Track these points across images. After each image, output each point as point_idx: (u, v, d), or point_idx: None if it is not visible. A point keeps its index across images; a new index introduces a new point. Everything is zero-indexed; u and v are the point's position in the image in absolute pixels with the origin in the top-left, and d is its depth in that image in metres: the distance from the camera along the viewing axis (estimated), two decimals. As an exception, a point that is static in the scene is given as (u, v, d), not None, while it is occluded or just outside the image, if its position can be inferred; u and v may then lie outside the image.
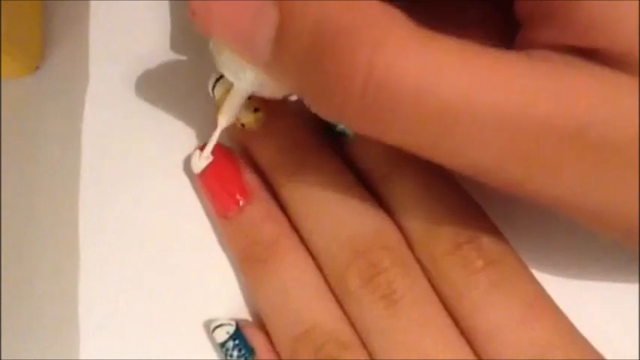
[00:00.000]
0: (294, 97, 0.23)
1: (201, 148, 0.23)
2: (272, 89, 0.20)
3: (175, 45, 0.26)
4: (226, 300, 0.23)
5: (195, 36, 0.26)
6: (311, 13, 0.17)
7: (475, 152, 0.17)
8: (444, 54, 0.16)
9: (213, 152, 0.23)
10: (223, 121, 0.22)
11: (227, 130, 0.24)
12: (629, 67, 0.16)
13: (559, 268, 0.23)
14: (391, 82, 0.16)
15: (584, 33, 0.16)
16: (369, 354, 0.21)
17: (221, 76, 0.23)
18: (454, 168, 0.18)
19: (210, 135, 0.25)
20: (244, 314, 0.23)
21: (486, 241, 0.21)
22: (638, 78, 0.16)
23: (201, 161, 0.23)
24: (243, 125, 0.23)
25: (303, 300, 0.21)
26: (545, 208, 0.18)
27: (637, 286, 0.22)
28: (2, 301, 0.24)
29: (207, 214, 0.24)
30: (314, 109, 0.18)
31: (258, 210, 0.23)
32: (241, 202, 0.23)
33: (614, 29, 0.16)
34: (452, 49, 0.16)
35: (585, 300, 0.22)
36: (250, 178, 0.23)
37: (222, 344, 0.22)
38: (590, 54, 0.16)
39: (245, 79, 0.20)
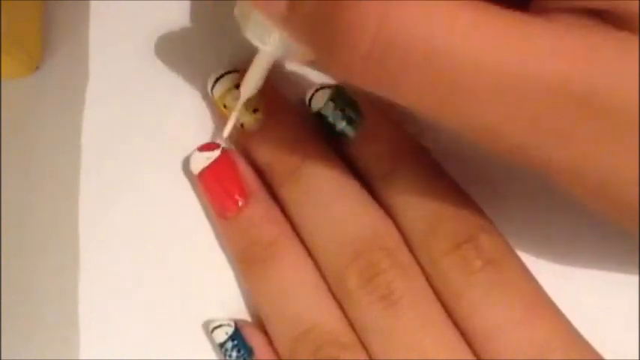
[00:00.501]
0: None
1: (201, 148, 0.23)
2: (297, 53, 0.20)
3: (175, 44, 0.26)
4: (226, 300, 0.23)
5: (195, 36, 0.26)
6: None
7: (484, 114, 0.16)
8: (456, 13, 0.16)
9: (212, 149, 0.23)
10: (246, 90, 0.22)
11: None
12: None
13: (558, 268, 0.23)
14: (400, 40, 0.16)
15: None
16: (369, 354, 0.21)
17: (220, 76, 0.23)
18: (461, 130, 0.18)
19: (210, 135, 0.25)
20: (244, 314, 0.23)
21: (485, 241, 0.21)
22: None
23: (201, 161, 0.23)
24: (242, 125, 0.23)
25: (302, 300, 0.21)
26: (548, 179, 0.18)
27: (637, 285, 0.22)
28: (2, 301, 0.24)
29: (207, 214, 0.24)
30: (324, 67, 0.18)
31: (258, 210, 0.23)
32: (240, 203, 0.23)
33: None
34: (464, 8, 0.16)
35: (585, 300, 0.22)
36: (249, 179, 0.23)
37: (222, 345, 0.22)
38: (606, 16, 0.16)
39: (270, 42, 0.20)
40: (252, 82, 0.22)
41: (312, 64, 0.21)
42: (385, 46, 0.16)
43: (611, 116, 0.16)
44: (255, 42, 0.20)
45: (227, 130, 0.23)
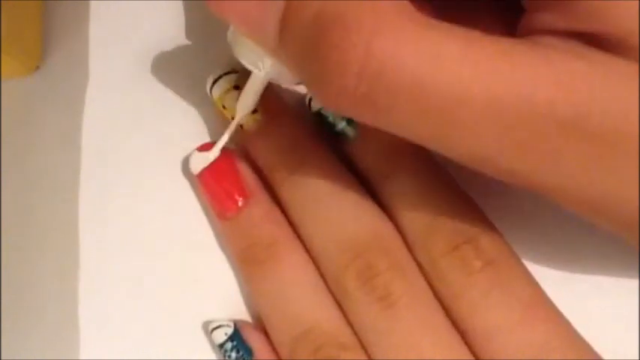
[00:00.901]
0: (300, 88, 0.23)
1: (200, 148, 0.23)
2: (288, 77, 0.20)
3: (175, 45, 0.26)
4: (226, 301, 0.23)
5: (194, 36, 0.26)
6: (312, 3, 0.17)
7: (475, 142, 0.17)
8: (443, 43, 0.16)
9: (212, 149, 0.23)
10: (242, 110, 0.22)
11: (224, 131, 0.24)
12: (629, 51, 0.16)
13: (558, 268, 0.23)
14: (388, 72, 0.16)
15: (585, 17, 0.16)
16: (368, 355, 0.21)
17: (219, 78, 0.23)
18: (453, 158, 0.18)
19: (209, 135, 0.25)
20: (244, 315, 0.23)
21: (485, 242, 0.21)
22: (638, 63, 0.16)
23: (200, 162, 0.23)
24: (241, 126, 0.23)
25: (301, 301, 0.21)
26: (546, 199, 0.18)
27: (636, 286, 0.22)
28: (2, 301, 0.24)
29: (207, 215, 0.24)
30: (314, 96, 0.18)
31: (258, 211, 0.23)
32: (240, 203, 0.23)
33: (614, 13, 0.16)
34: (451, 37, 0.16)
35: (584, 300, 0.22)
36: (249, 179, 0.23)
37: (221, 345, 0.22)
38: (592, 39, 0.16)
39: (263, 67, 0.20)
40: (247, 102, 0.22)
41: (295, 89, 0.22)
42: (372, 80, 0.16)
43: (598, 140, 0.16)
44: (248, 66, 0.20)
45: (222, 142, 0.23)
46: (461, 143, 0.17)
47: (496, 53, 0.16)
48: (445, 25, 0.16)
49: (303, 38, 0.17)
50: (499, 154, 0.17)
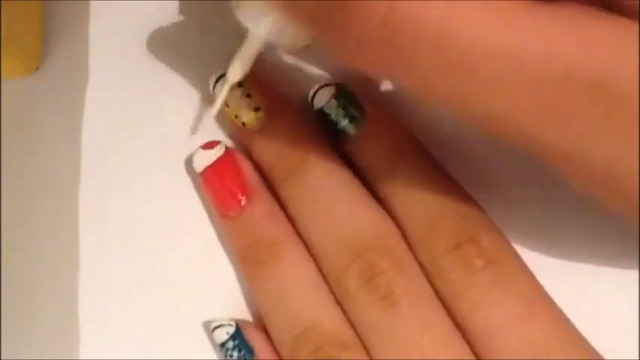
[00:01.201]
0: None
1: (204, 146, 0.23)
2: (289, 37, 0.20)
3: (175, 45, 0.26)
4: (226, 300, 0.23)
5: (195, 36, 0.26)
6: None
7: (492, 98, 0.16)
8: None
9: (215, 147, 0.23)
10: (235, 73, 0.21)
11: (227, 130, 0.24)
12: None
13: (559, 268, 0.23)
14: (411, 21, 0.16)
15: None
16: (369, 354, 0.21)
17: (221, 76, 0.23)
18: (468, 117, 0.17)
19: (210, 134, 0.25)
20: (244, 314, 0.23)
21: (486, 240, 0.21)
22: None
23: (204, 159, 0.23)
24: (243, 124, 0.23)
25: (302, 300, 0.21)
26: (551, 169, 0.18)
27: (637, 286, 0.22)
28: (2, 301, 0.24)
29: (208, 214, 0.24)
30: (331, 51, 0.18)
31: (260, 209, 0.23)
32: (243, 202, 0.23)
33: None
34: None
35: (585, 300, 0.22)
36: (252, 177, 0.23)
37: (222, 344, 0.22)
38: (616, 6, 0.16)
39: (263, 25, 0.19)
40: (240, 65, 0.21)
41: (306, 49, 0.21)
42: (394, 30, 0.16)
43: (619, 105, 0.16)
44: (248, 24, 0.20)
45: (215, 110, 0.22)
46: (478, 99, 0.16)
47: (520, 9, 0.16)
48: None
49: None
50: (515, 112, 0.16)
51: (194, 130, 0.24)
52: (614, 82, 0.15)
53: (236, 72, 0.21)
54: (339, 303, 0.21)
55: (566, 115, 0.16)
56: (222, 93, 0.22)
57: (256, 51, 0.21)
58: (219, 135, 0.25)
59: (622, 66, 0.15)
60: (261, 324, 0.23)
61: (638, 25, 0.16)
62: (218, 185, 0.23)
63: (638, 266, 0.22)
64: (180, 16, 0.26)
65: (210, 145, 0.23)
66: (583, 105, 0.16)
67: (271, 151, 0.23)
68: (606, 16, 0.16)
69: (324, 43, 0.18)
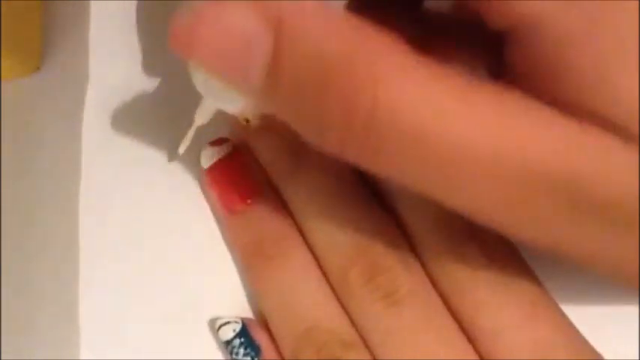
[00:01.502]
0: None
1: (212, 143, 0.23)
2: (242, 108, 0.19)
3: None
4: (228, 299, 0.23)
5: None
6: (311, 43, 0.16)
7: (472, 196, 0.17)
8: (447, 92, 0.16)
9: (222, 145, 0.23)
10: (200, 119, 0.22)
11: (231, 127, 0.24)
12: (620, 130, 0.16)
13: (559, 268, 0.22)
14: (394, 120, 0.16)
15: (575, 96, 0.16)
16: (371, 353, 0.21)
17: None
18: (453, 208, 0.18)
19: (210, 134, 0.25)
20: (246, 313, 0.23)
21: (488, 239, 0.21)
22: (632, 142, 0.16)
23: (211, 156, 0.23)
24: (247, 121, 0.23)
25: (305, 298, 0.21)
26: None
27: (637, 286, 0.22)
28: (2, 301, 0.24)
29: (210, 212, 0.24)
30: (311, 141, 0.18)
31: (264, 207, 0.23)
32: (248, 199, 0.23)
33: (605, 93, 0.16)
34: (454, 85, 0.16)
35: (585, 300, 0.22)
36: (257, 175, 0.23)
37: (228, 342, 0.22)
38: (583, 112, 0.16)
39: (229, 102, 0.19)
40: (206, 114, 0.22)
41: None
42: (378, 131, 0.16)
43: (591, 206, 0.16)
44: (213, 100, 0.20)
45: (182, 148, 0.23)
46: (459, 195, 0.17)
47: (496, 108, 0.16)
48: (446, 70, 0.16)
49: (300, 82, 0.16)
50: (494, 209, 0.17)
51: (171, 159, 0.24)
52: (584, 184, 0.16)
53: (202, 118, 0.22)
54: (341, 302, 0.21)
55: (543, 214, 0.17)
56: (191, 131, 0.22)
57: (210, 115, 0.21)
58: (222, 132, 0.25)
59: (587, 169, 0.16)
60: (263, 322, 0.23)
61: (597, 128, 0.16)
62: (224, 183, 0.23)
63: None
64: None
65: (217, 142, 0.23)
66: (556, 206, 0.16)
67: (273, 149, 0.23)
68: (572, 119, 0.16)
69: (302, 134, 0.18)
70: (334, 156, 0.17)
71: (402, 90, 0.16)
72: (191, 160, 0.24)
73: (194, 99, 0.25)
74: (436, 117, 0.16)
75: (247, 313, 0.23)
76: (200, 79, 0.19)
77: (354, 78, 0.16)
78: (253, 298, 0.23)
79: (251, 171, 0.23)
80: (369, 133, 0.16)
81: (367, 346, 0.21)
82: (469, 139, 0.16)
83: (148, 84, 0.26)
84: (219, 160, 0.23)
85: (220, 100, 0.19)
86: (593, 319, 0.21)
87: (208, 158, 0.23)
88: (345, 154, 0.17)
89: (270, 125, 0.23)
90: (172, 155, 0.25)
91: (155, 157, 0.25)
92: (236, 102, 0.18)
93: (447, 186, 0.17)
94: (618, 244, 0.17)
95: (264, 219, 0.22)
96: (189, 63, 0.18)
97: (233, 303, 0.23)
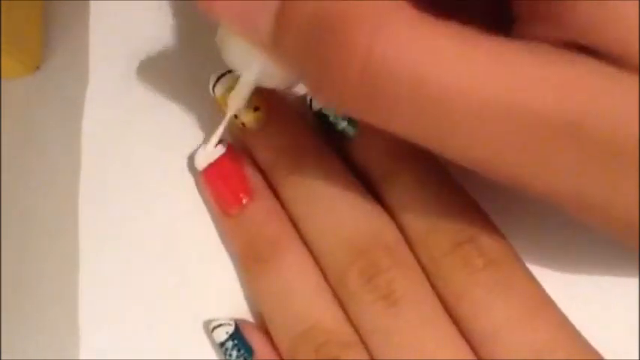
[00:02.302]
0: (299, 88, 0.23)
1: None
2: (278, 80, 0.20)
3: (175, 45, 0.26)
4: (227, 300, 0.23)
5: (195, 36, 0.26)
6: None
7: (471, 143, 0.17)
8: (444, 40, 0.16)
9: (217, 146, 0.23)
10: (231, 113, 0.22)
11: (228, 129, 0.24)
12: (628, 65, 0.16)
13: (559, 268, 0.23)
14: (389, 68, 0.16)
15: (581, 33, 0.16)
16: (369, 353, 0.21)
17: (221, 76, 0.23)
18: (451, 158, 0.18)
19: (210, 134, 0.25)
20: (245, 315, 0.23)
21: (486, 241, 0.21)
22: (637, 76, 0.16)
23: (206, 158, 0.23)
24: (243, 124, 0.23)
25: (303, 299, 0.21)
26: (541, 201, 0.18)
27: (637, 286, 0.22)
28: (2, 301, 0.24)
29: (208, 214, 0.24)
30: (314, 95, 0.18)
31: (261, 208, 0.23)
32: (244, 200, 0.23)
33: (611, 30, 0.16)
34: (452, 35, 0.16)
35: (585, 300, 0.22)
36: (254, 176, 0.23)
37: (222, 344, 0.22)
38: (589, 51, 0.16)
39: (252, 70, 0.20)
40: (235, 104, 0.22)
41: (293, 88, 0.21)
42: (374, 78, 0.16)
43: (595, 145, 0.16)
44: (236, 68, 0.20)
45: (212, 143, 0.23)
46: (458, 143, 0.17)
47: (494, 53, 0.16)
48: (443, 22, 0.16)
49: (302, 36, 0.17)
50: (495, 155, 0.17)
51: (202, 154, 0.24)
52: (588, 125, 0.16)
53: (232, 111, 0.22)
54: (340, 302, 0.21)
55: (547, 156, 0.16)
56: (220, 128, 0.23)
57: (248, 91, 0.21)
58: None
59: (594, 107, 0.16)
60: (261, 324, 0.23)
61: (610, 69, 0.16)
62: (219, 184, 0.23)
63: (638, 266, 0.22)
64: (181, 16, 0.26)
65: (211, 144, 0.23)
66: (560, 147, 0.16)
67: (271, 151, 0.23)
68: (581, 60, 0.16)
69: (305, 86, 0.18)
70: (335, 107, 0.18)
71: (398, 37, 0.16)
72: (190, 160, 0.24)
73: (194, 99, 0.25)
74: (432, 63, 0.16)
75: (246, 313, 0.23)
76: (224, 48, 0.20)
77: (351, 28, 0.16)
78: (252, 299, 0.23)
79: (247, 172, 0.23)
80: (365, 80, 0.16)
81: (365, 347, 0.21)
82: (466, 83, 0.16)
83: (148, 84, 0.26)
84: (215, 161, 0.23)
85: (241, 67, 0.20)
86: (594, 320, 0.21)
87: (203, 160, 0.23)
88: (343, 104, 0.17)
89: (267, 127, 0.23)
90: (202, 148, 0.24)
91: (155, 157, 0.25)
92: (254, 69, 0.20)
93: (445, 134, 0.17)
94: (619, 188, 0.17)
95: (260, 220, 0.22)
96: (216, 35, 0.20)
97: (232, 304, 0.23)
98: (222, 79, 0.23)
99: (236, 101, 0.22)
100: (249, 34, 0.18)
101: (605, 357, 0.20)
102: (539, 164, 0.17)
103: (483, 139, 0.16)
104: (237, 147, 0.24)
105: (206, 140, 0.24)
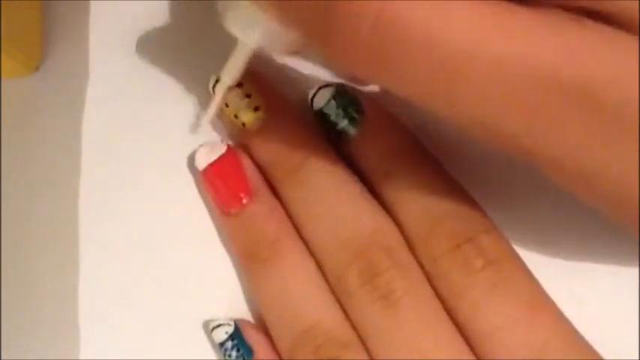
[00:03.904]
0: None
1: (207, 144, 0.23)
2: (279, 45, 0.20)
3: (176, 44, 0.26)
4: (227, 300, 0.23)
5: (195, 36, 0.26)
6: None
7: (478, 102, 0.16)
8: (456, 1, 0.16)
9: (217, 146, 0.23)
10: (226, 79, 0.22)
11: (227, 129, 0.24)
12: (636, 29, 0.16)
13: (559, 268, 0.23)
14: (400, 24, 0.16)
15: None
16: (369, 354, 0.21)
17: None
18: (457, 120, 0.18)
19: (210, 134, 0.25)
20: (245, 314, 0.23)
21: (486, 241, 0.21)
22: None
23: (206, 158, 0.23)
24: (243, 124, 0.23)
25: (303, 299, 0.21)
26: (541, 170, 0.18)
27: (637, 286, 0.22)
28: (2, 301, 0.24)
29: (208, 214, 0.24)
30: (322, 50, 0.18)
31: (261, 208, 0.23)
32: (244, 200, 0.23)
33: None
34: None
35: (585, 300, 0.22)
36: (254, 176, 0.23)
37: (221, 344, 0.22)
38: (600, 17, 0.16)
39: (253, 34, 0.19)
40: (232, 71, 0.21)
41: (296, 54, 0.21)
42: (384, 32, 0.16)
43: (602, 110, 0.16)
44: (237, 33, 0.20)
45: (208, 116, 0.23)
46: (465, 102, 0.17)
47: (503, 14, 0.16)
48: None
49: None
50: (501, 117, 0.17)
51: (194, 129, 0.24)
52: (599, 89, 0.16)
53: (230, 77, 0.21)
54: (339, 302, 0.22)
55: (552, 119, 0.16)
56: (217, 96, 0.22)
57: (247, 59, 0.21)
58: (219, 134, 0.25)
59: (603, 71, 0.16)
60: (261, 324, 0.23)
61: (620, 33, 0.16)
62: (219, 183, 0.23)
63: (638, 266, 0.22)
64: (181, 17, 0.26)
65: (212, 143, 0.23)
66: (568, 110, 0.16)
67: (271, 151, 0.23)
68: (590, 24, 0.16)
69: (313, 45, 0.18)
70: (342, 68, 0.17)
71: None
72: (191, 160, 0.24)
73: (194, 99, 0.25)
74: (442, 22, 0.16)
75: (246, 313, 0.23)
76: (226, 12, 0.20)
77: None
78: (252, 299, 0.23)
79: (247, 172, 0.23)
80: (376, 37, 0.16)
81: (365, 347, 0.21)
82: (476, 44, 0.16)
83: (148, 84, 0.26)
84: (215, 160, 0.23)
85: (242, 31, 0.20)
86: (593, 320, 0.21)
87: (203, 160, 0.23)
88: (349, 62, 0.17)
89: (268, 127, 0.23)
90: (195, 124, 0.25)
91: (155, 156, 0.25)
92: (255, 33, 0.19)
93: (453, 93, 0.16)
94: (625, 157, 0.17)
95: (260, 220, 0.22)
96: (223, 2, 0.20)
97: (232, 304, 0.23)
98: (231, 55, 0.23)
99: (232, 70, 0.21)
100: None
101: (605, 357, 0.20)
102: (542, 126, 0.17)
103: (490, 101, 0.16)
104: (237, 147, 0.24)
105: (206, 140, 0.24)
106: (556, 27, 0.16)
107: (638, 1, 0.16)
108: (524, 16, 0.16)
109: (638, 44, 0.16)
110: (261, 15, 0.19)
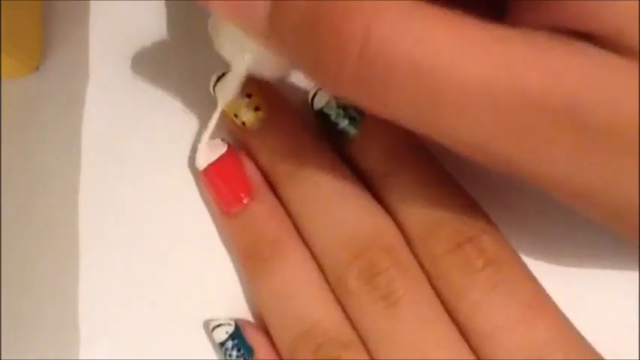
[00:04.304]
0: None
1: (207, 144, 0.23)
2: (272, 69, 0.20)
3: (176, 44, 0.26)
4: (227, 300, 0.23)
5: (195, 36, 0.26)
6: None
7: (467, 128, 0.17)
8: (439, 26, 0.16)
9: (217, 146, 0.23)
10: (223, 99, 0.22)
11: (228, 129, 0.24)
12: (624, 50, 0.16)
13: (559, 268, 0.23)
14: (386, 53, 0.16)
15: (575, 18, 0.16)
16: (369, 354, 0.21)
17: (222, 76, 0.23)
18: (447, 144, 0.18)
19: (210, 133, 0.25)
20: (245, 314, 0.23)
21: (486, 241, 0.21)
22: (635, 60, 0.16)
23: (206, 158, 0.23)
24: (244, 124, 0.23)
25: (303, 299, 0.21)
26: (535, 188, 0.18)
27: (637, 285, 0.22)
28: (2, 301, 0.24)
29: (208, 213, 0.24)
30: (311, 79, 0.18)
31: (262, 208, 0.23)
32: (245, 200, 0.23)
33: (605, 14, 0.16)
34: (447, 20, 0.16)
35: (585, 300, 0.22)
36: (254, 176, 0.23)
37: (222, 344, 0.22)
38: (584, 37, 0.16)
39: (243, 60, 0.20)
40: (226, 94, 0.22)
41: (286, 77, 0.21)
42: (370, 64, 0.16)
43: (590, 130, 0.16)
44: (228, 58, 0.20)
45: (205, 137, 0.23)
46: (454, 128, 0.17)
47: (489, 39, 0.16)
48: (439, 8, 0.16)
49: (298, 21, 0.17)
50: (491, 140, 0.17)
51: (194, 151, 0.24)
52: (584, 108, 0.16)
53: (225, 98, 0.22)
54: (339, 302, 0.21)
55: (541, 141, 0.16)
56: (213, 120, 0.22)
57: (239, 82, 0.21)
58: (219, 134, 0.25)
59: (590, 91, 0.16)
60: (261, 324, 0.23)
61: (605, 53, 0.16)
62: (220, 183, 0.23)
63: (638, 266, 0.22)
64: (181, 16, 0.26)
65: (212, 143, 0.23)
66: (557, 131, 0.16)
67: (271, 151, 0.23)
68: (572, 43, 0.16)
69: (301, 71, 0.18)
70: (332, 92, 0.18)
71: (394, 23, 0.16)
72: (191, 160, 0.24)
73: (194, 99, 0.25)
74: (429, 48, 0.16)
75: (246, 313, 0.23)
76: (216, 37, 0.20)
77: (348, 13, 0.16)
78: (252, 299, 0.23)
79: (247, 172, 0.23)
80: (363, 65, 0.16)
81: (365, 347, 0.21)
82: (463, 68, 0.16)
83: (148, 84, 0.26)
84: (215, 160, 0.23)
85: (233, 56, 0.20)
86: (594, 320, 0.21)
87: (204, 159, 0.23)
88: (339, 89, 0.17)
89: (268, 127, 0.23)
90: (195, 142, 0.25)
91: (155, 156, 0.25)
92: (246, 58, 0.20)
93: (440, 118, 0.17)
94: (614, 174, 0.17)
95: (261, 220, 0.22)
96: (208, 24, 0.20)
97: (232, 304, 0.23)
98: (223, 79, 0.23)
99: (224, 92, 0.22)
100: (244, 21, 0.18)
101: (605, 357, 0.20)
102: (533, 149, 0.17)
103: (478, 124, 0.16)
104: (237, 147, 0.24)
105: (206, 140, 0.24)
106: (543, 48, 0.16)
107: (623, 23, 0.16)
108: (506, 38, 0.16)
109: (624, 64, 0.16)
110: (251, 40, 0.19)
